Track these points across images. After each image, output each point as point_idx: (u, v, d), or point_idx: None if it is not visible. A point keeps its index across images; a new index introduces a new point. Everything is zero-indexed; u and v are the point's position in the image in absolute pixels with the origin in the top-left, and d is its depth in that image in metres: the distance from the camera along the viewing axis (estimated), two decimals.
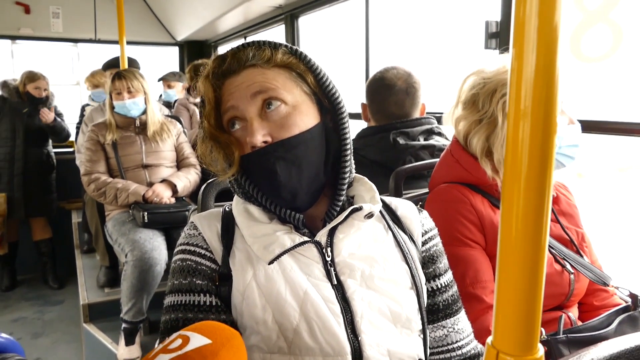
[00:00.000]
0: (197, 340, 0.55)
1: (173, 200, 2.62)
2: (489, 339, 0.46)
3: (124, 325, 2.41)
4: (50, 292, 4.01)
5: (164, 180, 2.66)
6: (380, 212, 0.90)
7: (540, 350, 0.45)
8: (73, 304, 3.63)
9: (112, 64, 3.62)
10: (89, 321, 2.78)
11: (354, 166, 0.88)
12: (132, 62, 3.59)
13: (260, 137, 0.76)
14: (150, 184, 2.63)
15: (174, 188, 2.63)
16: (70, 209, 4.16)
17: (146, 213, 2.43)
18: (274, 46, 0.81)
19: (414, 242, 0.89)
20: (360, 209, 0.80)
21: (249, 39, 4.41)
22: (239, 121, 0.80)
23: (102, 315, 2.79)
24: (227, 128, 0.82)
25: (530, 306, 0.43)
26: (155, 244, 2.38)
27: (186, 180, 2.69)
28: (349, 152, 0.85)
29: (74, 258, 3.56)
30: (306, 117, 0.80)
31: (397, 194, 1.45)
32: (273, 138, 0.77)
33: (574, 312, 1.22)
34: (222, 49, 4.80)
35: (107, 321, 2.74)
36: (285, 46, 0.82)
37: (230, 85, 0.80)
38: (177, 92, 4.33)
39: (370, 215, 0.82)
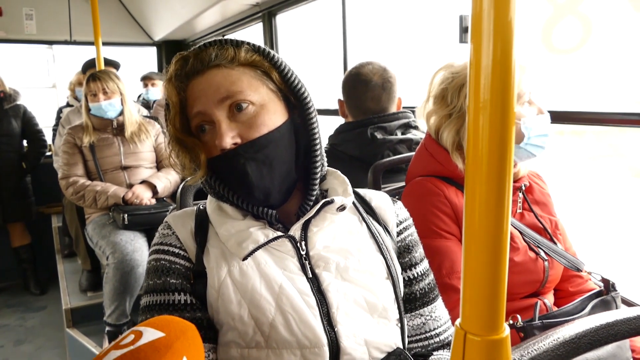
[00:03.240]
0: (150, 334, 0.54)
1: (154, 201, 2.61)
2: (458, 321, 0.47)
3: (107, 328, 2.40)
4: (32, 298, 3.95)
5: (143, 182, 2.64)
6: (355, 204, 0.91)
7: (506, 330, 0.46)
8: (56, 309, 3.58)
9: (91, 64, 3.55)
10: (72, 326, 2.75)
11: (325, 160, 0.88)
12: (113, 63, 3.53)
13: (229, 139, 0.76)
14: (129, 186, 2.61)
15: (154, 189, 2.61)
16: (49, 213, 4.10)
17: (126, 215, 2.41)
18: (237, 44, 0.80)
19: (388, 232, 0.90)
20: (332, 201, 0.81)
21: (228, 37, 4.38)
22: (207, 125, 0.80)
23: (86, 319, 2.76)
24: (196, 132, 0.81)
25: (495, 288, 0.45)
26: (136, 245, 2.37)
27: (166, 180, 2.67)
28: (318, 146, 0.85)
29: (55, 263, 3.51)
30: (274, 116, 0.80)
31: (376, 187, 1.46)
32: (242, 139, 0.77)
33: (549, 299, 1.25)
34: None
35: (91, 325, 2.71)
36: (248, 44, 0.81)
37: (195, 88, 0.79)
38: (161, 90, 4.32)
39: (342, 208, 0.83)
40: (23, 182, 3.87)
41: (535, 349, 0.51)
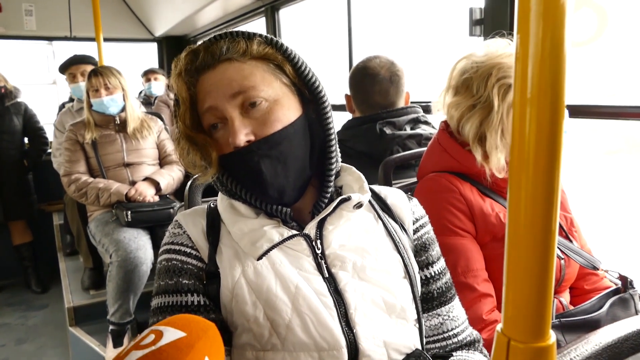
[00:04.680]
0: (170, 334, 0.53)
1: (157, 198, 2.58)
2: (499, 327, 0.45)
3: (111, 327, 2.38)
4: (34, 296, 3.93)
5: (146, 179, 2.61)
6: (370, 201, 0.88)
7: (553, 336, 0.44)
8: (58, 307, 3.56)
9: (71, 62, 3.49)
10: (74, 324, 2.73)
11: (339, 155, 0.86)
12: (89, 59, 3.47)
13: (243, 136, 0.74)
14: (132, 183, 2.59)
15: (157, 186, 2.59)
16: (51, 211, 4.07)
17: (129, 212, 2.38)
18: (248, 37, 0.77)
19: (405, 230, 0.88)
20: (348, 199, 0.78)
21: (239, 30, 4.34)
22: (219, 121, 0.77)
23: (88, 318, 2.74)
24: (207, 128, 0.79)
25: (542, 292, 0.42)
26: (140, 243, 2.34)
27: (169, 177, 2.64)
28: (333, 141, 0.82)
29: (57, 261, 3.49)
30: (288, 111, 0.77)
31: (387, 184, 1.43)
32: (256, 136, 0.75)
33: (565, 297, 1.22)
34: None
35: (94, 324, 2.69)
36: (260, 36, 0.78)
37: (206, 83, 0.76)
38: (164, 85, 4.31)
39: (359, 205, 0.80)
40: (24, 180, 3.84)
41: (577, 355, 0.48)
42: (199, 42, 0.79)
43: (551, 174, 0.39)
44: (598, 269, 1.18)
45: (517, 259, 0.41)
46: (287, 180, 0.77)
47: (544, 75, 0.39)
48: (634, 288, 1.16)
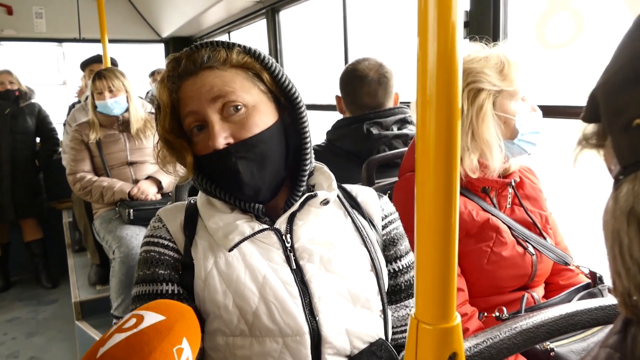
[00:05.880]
0: (151, 317, 0.57)
1: (159, 196, 2.65)
2: (412, 311, 0.50)
3: (115, 320, 2.45)
4: (44, 291, 4.03)
5: (149, 177, 2.68)
6: (340, 199, 0.93)
7: (457, 318, 0.49)
8: (66, 302, 3.65)
9: (92, 61, 3.61)
10: (81, 318, 2.81)
11: (313, 157, 0.91)
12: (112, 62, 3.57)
13: (222, 139, 0.79)
14: (135, 181, 2.66)
15: (159, 184, 2.65)
16: (60, 209, 4.18)
17: (132, 210, 2.46)
18: (228, 46, 0.82)
19: (374, 226, 0.93)
20: (315, 195, 0.84)
21: (233, 34, 4.43)
22: (199, 124, 0.82)
23: (94, 312, 2.82)
24: (188, 131, 0.84)
25: (445, 279, 0.47)
26: (141, 240, 2.40)
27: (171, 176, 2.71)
28: (309, 145, 0.88)
29: (66, 257, 3.58)
30: (265, 116, 0.82)
31: (369, 182, 1.48)
32: (234, 139, 0.80)
33: (538, 292, 1.26)
34: None
35: (99, 318, 2.77)
36: (239, 46, 0.83)
37: (188, 89, 0.81)
38: None
39: (326, 202, 0.85)
40: (36, 179, 3.95)
41: (491, 337, 0.53)
42: (182, 51, 0.85)
43: (449, 169, 0.44)
44: (569, 265, 1.22)
45: (424, 250, 0.46)
46: (263, 181, 0.82)
47: (439, 76, 0.44)
48: (603, 283, 1.20)
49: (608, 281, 1.21)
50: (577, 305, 0.60)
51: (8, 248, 4.06)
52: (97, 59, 3.58)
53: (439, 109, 0.44)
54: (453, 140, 0.44)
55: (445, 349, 0.46)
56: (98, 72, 2.65)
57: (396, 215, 0.98)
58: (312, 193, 0.84)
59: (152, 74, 4.53)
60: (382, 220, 0.95)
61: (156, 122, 0.86)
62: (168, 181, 2.68)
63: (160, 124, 0.84)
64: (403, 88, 1.77)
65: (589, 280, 1.24)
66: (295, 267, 0.83)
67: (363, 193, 0.97)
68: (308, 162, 0.88)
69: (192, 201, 0.93)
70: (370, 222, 0.94)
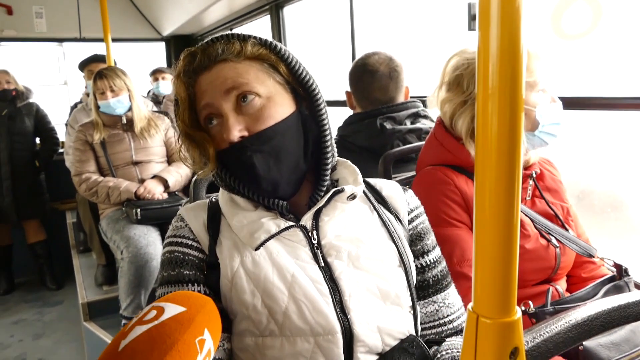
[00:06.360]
0: (171, 309, 0.56)
1: (165, 195, 2.63)
2: (470, 305, 0.48)
3: (123, 321, 2.44)
4: (49, 293, 4.02)
5: (155, 176, 2.66)
6: (365, 193, 0.91)
7: (518, 312, 0.47)
8: (72, 303, 3.64)
9: (90, 60, 3.57)
10: (89, 319, 2.79)
11: (335, 150, 0.89)
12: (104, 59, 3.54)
13: (236, 132, 0.77)
14: (141, 181, 2.64)
15: (165, 183, 2.64)
16: (64, 210, 4.16)
17: (139, 210, 2.44)
18: (243, 38, 0.81)
19: (400, 221, 0.91)
20: (342, 190, 0.82)
21: (235, 31, 4.39)
22: (215, 118, 0.81)
23: (102, 313, 2.80)
24: (205, 125, 0.82)
25: (506, 272, 0.45)
26: (150, 239, 2.40)
27: (177, 174, 2.69)
28: (328, 137, 0.86)
29: (71, 258, 3.56)
30: (281, 108, 0.80)
31: (386, 177, 1.46)
32: (249, 132, 0.78)
33: (561, 285, 1.25)
34: None
35: (107, 318, 2.75)
36: (254, 37, 0.82)
37: (203, 82, 0.80)
38: (171, 84, 4.33)
39: (352, 197, 0.83)
40: (37, 180, 3.92)
41: (547, 331, 0.51)
42: (197, 45, 0.84)
43: (512, 162, 0.43)
44: (593, 257, 1.20)
45: (484, 242, 0.45)
46: (280, 174, 0.80)
47: (503, 70, 0.42)
48: (629, 275, 1.18)
49: (634, 274, 1.19)
50: (629, 296, 0.58)
51: (11, 250, 4.03)
52: (95, 59, 3.53)
53: (502, 104, 0.42)
54: (516, 136, 0.43)
55: (507, 344, 0.44)
56: (99, 71, 2.62)
57: (422, 209, 0.96)
58: (338, 188, 0.82)
59: (153, 73, 4.50)
60: (408, 214, 0.93)
61: (175, 116, 0.84)
62: (174, 180, 2.66)
63: (180, 119, 0.82)
64: (415, 81, 1.75)
65: (613, 273, 1.23)
66: (323, 265, 0.81)
67: (388, 187, 0.95)
68: (329, 155, 0.86)
69: (213, 199, 0.91)
70: (397, 217, 0.92)
